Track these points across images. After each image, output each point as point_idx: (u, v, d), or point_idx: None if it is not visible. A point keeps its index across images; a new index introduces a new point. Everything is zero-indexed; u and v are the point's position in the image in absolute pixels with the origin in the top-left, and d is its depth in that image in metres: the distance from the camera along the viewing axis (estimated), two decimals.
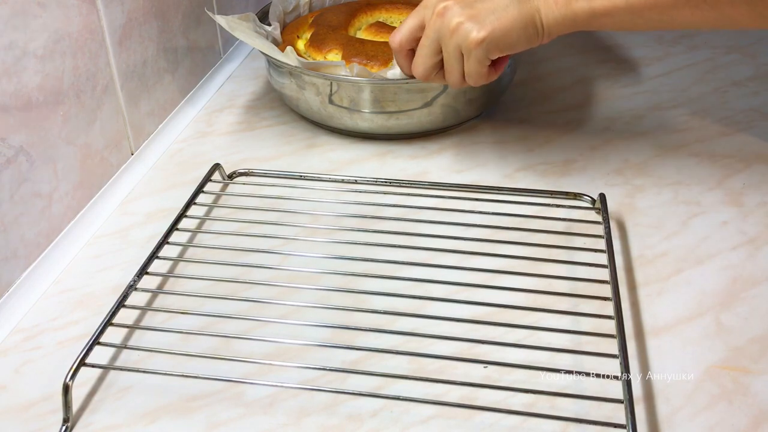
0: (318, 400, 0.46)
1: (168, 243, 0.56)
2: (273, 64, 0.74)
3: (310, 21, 0.81)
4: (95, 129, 0.62)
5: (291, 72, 0.71)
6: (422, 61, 0.58)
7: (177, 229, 0.57)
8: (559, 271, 0.54)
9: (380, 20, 0.81)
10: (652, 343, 0.49)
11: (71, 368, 0.44)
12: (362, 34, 0.78)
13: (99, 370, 0.47)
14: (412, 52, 0.60)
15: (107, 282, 0.55)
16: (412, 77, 0.62)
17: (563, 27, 0.56)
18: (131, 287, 0.51)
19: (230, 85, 0.85)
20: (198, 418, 0.45)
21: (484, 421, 0.44)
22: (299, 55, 0.74)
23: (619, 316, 0.47)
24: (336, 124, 0.73)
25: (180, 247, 0.58)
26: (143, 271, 0.52)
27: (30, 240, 0.55)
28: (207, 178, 0.63)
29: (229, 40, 0.90)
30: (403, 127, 0.71)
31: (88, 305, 0.53)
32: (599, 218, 0.59)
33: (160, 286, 0.54)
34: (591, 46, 0.93)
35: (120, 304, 0.49)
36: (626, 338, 0.46)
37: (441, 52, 0.57)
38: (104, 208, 0.63)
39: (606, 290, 0.50)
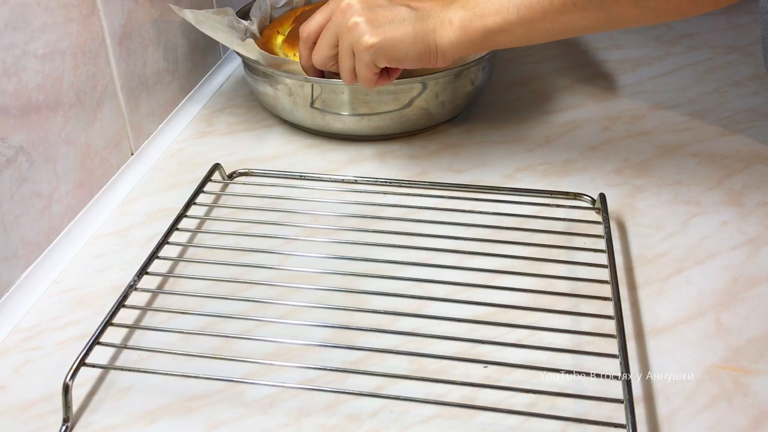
0: (318, 400, 0.46)
1: (168, 243, 0.56)
2: (248, 67, 0.74)
3: (298, 15, 0.80)
4: (95, 129, 0.62)
5: (264, 72, 0.71)
6: (320, 51, 0.61)
7: (177, 229, 0.57)
8: (559, 271, 0.54)
9: None
10: (652, 343, 0.49)
11: (71, 368, 0.44)
12: None
13: (99, 370, 0.47)
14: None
15: (107, 282, 0.55)
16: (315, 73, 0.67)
17: (459, 49, 0.56)
18: (131, 287, 0.51)
19: (230, 84, 0.85)
20: (198, 418, 0.45)
21: (485, 421, 0.44)
22: (273, 51, 0.74)
23: (619, 316, 0.47)
24: (309, 125, 0.73)
25: (180, 247, 0.58)
26: (143, 271, 0.52)
27: (30, 240, 0.55)
28: (207, 178, 0.63)
29: None
30: (374, 129, 0.71)
31: (88, 305, 0.53)
32: (599, 218, 0.59)
33: (160, 286, 0.54)
34: (591, 46, 0.93)
35: (120, 304, 0.49)
36: (626, 338, 0.46)
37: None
38: (104, 208, 0.63)
39: (606, 290, 0.50)
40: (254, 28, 0.78)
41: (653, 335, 0.50)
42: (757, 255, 0.57)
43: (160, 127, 0.74)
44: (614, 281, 0.50)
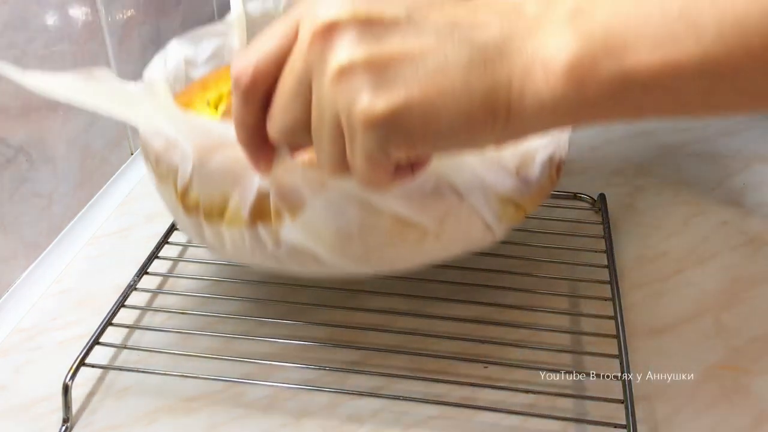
0: (318, 401, 0.45)
1: (168, 243, 0.55)
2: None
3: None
4: (95, 129, 0.62)
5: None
6: (280, 115, 0.31)
7: (177, 229, 0.57)
8: (560, 271, 0.54)
9: None
10: (652, 343, 0.49)
11: (71, 368, 0.44)
12: None
13: (99, 370, 0.47)
14: (269, 103, 0.32)
15: (107, 282, 0.55)
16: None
17: (554, 115, 0.29)
18: (131, 287, 0.51)
19: None
20: (198, 419, 0.45)
21: (485, 421, 0.44)
22: None
23: (619, 316, 0.47)
24: None
25: (180, 247, 0.58)
26: (143, 271, 0.52)
27: (30, 240, 0.55)
28: None
29: None
30: None
31: (87, 305, 0.53)
32: (599, 218, 0.59)
33: (160, 286, 0.54)
34: None
35: (120, 304, 0.49)
36: (626, 338, 0.46)
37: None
38: (104, 208, 0.63)
39: (606, 290, 0.50)
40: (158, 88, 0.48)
41: (654, 335, 0.50)
42: (757, 255, 0.57)
43: None
44: (614, 281, 0.50)
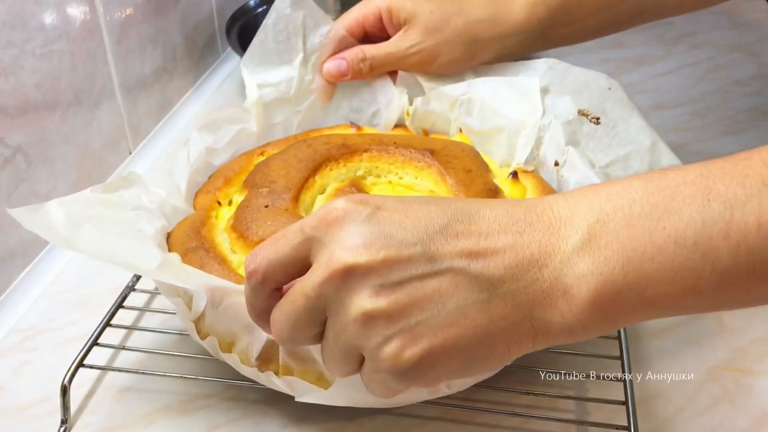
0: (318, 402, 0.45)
1: None
2: None
3: (245, 176, 0.53)
4: (93, 128, 0.62)
5: None
6: (289, 330, 0.34)
7: None
8: None
9: (359, 174, 0.52)
10: (653, 344, 0.49)
11: (69, 369, 0.44)
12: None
13: (97, 371, 0.47)
14: (278, 291, 0.35)
15: (105, 283, 0.55)
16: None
17: (582, 334, 0.32)
18: (129, 288, 0.50)
19: (229, 83, 0.84)
20: (197, 420, 0.44)
21: (485, 422, 0.44)
22: (213, 243, 0.47)
23: None
24: None
25: None
26: None
27: (28, 240, 0.54)
28: None
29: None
30: None
31: (86, 306, 0.53)
32: None
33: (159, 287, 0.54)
34: (592, 46, 0.93)
35: (118, 305, 0.49)
36: (628, 339, 0.46)
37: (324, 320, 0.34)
38: None
39: None
40: (178, 198, 0.51)
41: (655, 336, 0.49)
42: None
43: (158, 126, 0.73)
44: None
